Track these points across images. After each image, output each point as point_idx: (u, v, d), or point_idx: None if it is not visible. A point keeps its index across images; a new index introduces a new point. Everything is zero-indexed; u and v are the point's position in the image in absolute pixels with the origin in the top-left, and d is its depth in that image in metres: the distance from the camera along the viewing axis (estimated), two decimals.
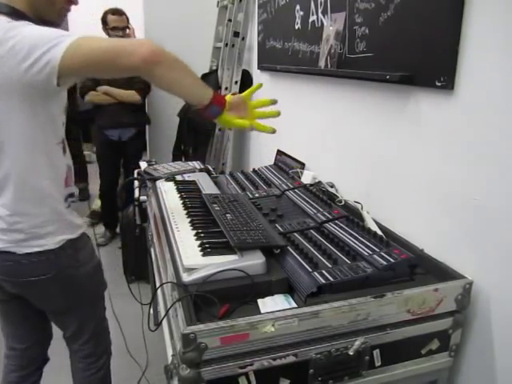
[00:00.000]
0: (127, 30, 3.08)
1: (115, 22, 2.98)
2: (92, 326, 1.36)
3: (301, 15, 2.00)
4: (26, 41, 0.95)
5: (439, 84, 1.19)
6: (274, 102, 1.28)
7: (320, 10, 1.82)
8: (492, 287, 1.11)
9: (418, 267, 1.19)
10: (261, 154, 2.79)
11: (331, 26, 1.71)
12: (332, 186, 1.76)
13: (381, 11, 1.39)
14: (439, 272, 1.16)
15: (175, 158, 3.14)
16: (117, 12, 2.99)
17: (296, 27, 2.06)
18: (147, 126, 3.43)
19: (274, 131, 1.26)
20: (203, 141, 2.99)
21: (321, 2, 1.80)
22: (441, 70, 1.18)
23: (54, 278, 1.17)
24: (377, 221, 1.44)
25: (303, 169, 2.01)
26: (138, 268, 2.53)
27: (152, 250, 1.69)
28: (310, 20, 1.91)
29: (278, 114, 1.26)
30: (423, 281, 1.11)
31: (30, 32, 0.97)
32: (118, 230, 3.41)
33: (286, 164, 2.17)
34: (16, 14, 1.03)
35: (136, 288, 1.64)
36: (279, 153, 2.32)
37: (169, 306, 1.05)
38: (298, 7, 2.03)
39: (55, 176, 1.16)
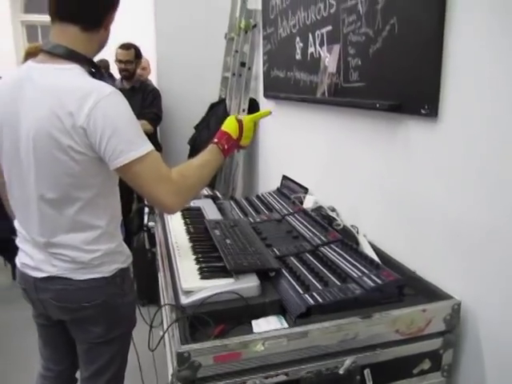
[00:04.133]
0: (131, 65, 3.23)
1: (120, 56, 3.21)
2: (118, 364, 1.38)
3: (301, 47, 2.10)
4: (110, 126, 1.07)
5: (424, 112, 1.25)
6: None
7: (318, 42, 1.91)
8: (480, 308, 1.14)
9: (410, 288, 1.23)
10: (268, 180, 2.86)
11: (328, 57, 1.80)
12: (333, 210, 1.82)
13: (370, 43, 1.47)
14: (429, 293, 1.20)
15: None
16: (124, 46, 3.20)
17: (297, 58, 2.15)
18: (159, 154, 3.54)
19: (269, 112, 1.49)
20: None
21: (318, 35, 1.89)
22: (425, 98, 1.24)
23: (101, 304, 1.24)
24: (372, 243, 1.49)
25: (306, 193, 2.07)
26: (149, 292, 2.60)
27: (159, 274, 1.76)
28: (309, 51, 2.00)
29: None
30: (412, 302, 1.15)
31: (116, 118, 1.09)
32: None
33: (290, 189, 2.23)
34: (74, 56, 1.13)
35: (148, 311, 1.69)
36: (284, 178, 2.38)
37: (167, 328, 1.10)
38: (298, 39, 2.13)
39: (115, 214, 1.27)
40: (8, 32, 6.31)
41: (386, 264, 1.31)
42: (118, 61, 3.23)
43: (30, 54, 2.56)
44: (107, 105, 1.08)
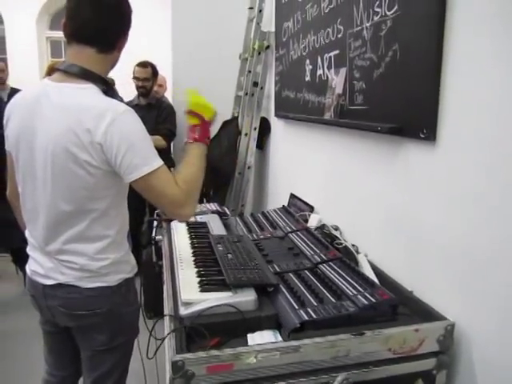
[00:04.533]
0: (148, 82, 3.35)
1: (137, 73, 3.34)
2: (120, 371, 1.42)
3: (310, 69, 2.16)
4: (125, 142, 1.13)
5: (423, 136, 1.28)
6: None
7: (326, 65, 1.96)
8: (475, 330, 1.15)
9: (406, 308, 1.25)
10: (277, 197, 2.90)
11: (335, 79, 1.85)
12: (336, 229, 1.84)
13: (374, 68, 1.52)
14: (424, 313, 1.21)
15: None
16: (141, 64, 3.33)
17: (306, 79, 2.21)
18: (172, 169, 3.62)
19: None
20: (223, 183, 3.14)
21: (326, 58, 1.95)
22: (423, 123, 1.28)
23: (106, 313, 1.29)
24: (372, 262, 1.52)
25: (312, 212, 2.10)
26: (156, 304, 2.63)
27: (164, 286, 1.80)
28: (318, 73, 2.06)
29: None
30: (406, 321, 1.17)
31: (131, 134, 1.16)
32: None
33: (297, 207, 2.27)
34: (89, 76, 1.20)
35: (153, 323, 1.72)
36: (292, 196, 2.42)
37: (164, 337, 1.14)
38: (307, 61, 2.19)
39: (123, 224, 1.34)
40: (34, 47, 6.55)
41: (384, 283, 1.33)
42: (136, 78, 3.34)
43: (52, 69, 2.67)
44: (123, 122, 1.15)
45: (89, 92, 1.19)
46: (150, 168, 1.16)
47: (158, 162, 1.19)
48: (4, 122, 1.28)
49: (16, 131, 1.23)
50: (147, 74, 3.33)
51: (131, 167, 1.15)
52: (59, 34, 6.84)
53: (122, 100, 1.27)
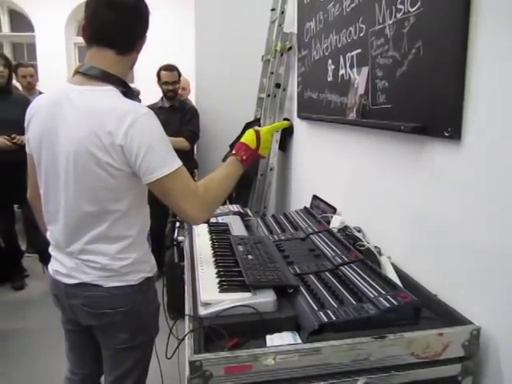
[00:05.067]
0: (177, 85, 3.40)
1: (166, 77, 3.32)
2: (141, 369, 1.43)
3: (332, 69, 2.14)
4: (145, 143, 1.15)
5: (447, 134, 1.25)
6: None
7: (348, 65, 1.94)
8: (503, 335, 1.11)
9: (430, 312, 1.21)
10: (300, 199, 2.88)
11: (357, 79, 1.82)
12: (359, 231, 1.81)
13: (397, 66, 1.49)
14: (448, 317, 1.18)
15: None
16: (168, 68, 3.33)
17: (328, 79, 2.19)
18: (195, 171, 3.65)
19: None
20: (245, 185, 3.13)
21: (348, 57, 1.92)
22: (448, 121, 1.24)
23: (128, 311, 1.30)
24: (396, 265, 1.48)
25: (335, 213, 2.08)
26: (179, 305, 2.65)
27: (185, 286, 1.81)
28: (340, 73, 2.03)
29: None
30: (429, 325, 1.13)
31: (151, 136, 1.17)
32: None
33: (319, 208, 2.24)
34: (108, 78, 1.22)
35: (177, 324, 1.72)
36: (314, 197, 2.40)
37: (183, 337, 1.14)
38: (329, 61, 2.17)
39: (144, 224, 1.35)
40: (62, 53, 6.72)
41: (407, 286, 1.30)
42: (165, 82, 3.35)
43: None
44: (143, 124, 1.16)
45: (109, 94, 1.20)
46: (168, 170, 1.17)
47: (177, 164, 1.19)
48: (25, 125, 1.30)
49: (38, 134, 1.25)
50: (175, 78, 3.37)
51: (150, 168, 1.16)
52: None
53: (140, 102, 1.29)
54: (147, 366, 1.48)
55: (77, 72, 1.25)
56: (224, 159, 3.26)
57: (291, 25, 2.89)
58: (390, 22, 1.53)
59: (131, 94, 1.25)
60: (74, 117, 1.18)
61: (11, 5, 6.76)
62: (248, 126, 3.19)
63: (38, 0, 6.39)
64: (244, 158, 1.34)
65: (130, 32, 1.24)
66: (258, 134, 1.39)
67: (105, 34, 1.22)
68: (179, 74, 3.42)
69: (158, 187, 1.20)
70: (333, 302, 1.17)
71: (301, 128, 2.86)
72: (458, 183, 1.25)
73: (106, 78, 1.21)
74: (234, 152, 1.37)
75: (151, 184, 1.19)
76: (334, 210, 2.10)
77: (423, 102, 1.36)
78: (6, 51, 6.80)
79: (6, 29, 6.92)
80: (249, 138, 1.39)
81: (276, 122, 1.54)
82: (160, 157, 1.17)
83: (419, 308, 1.15)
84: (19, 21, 6.93)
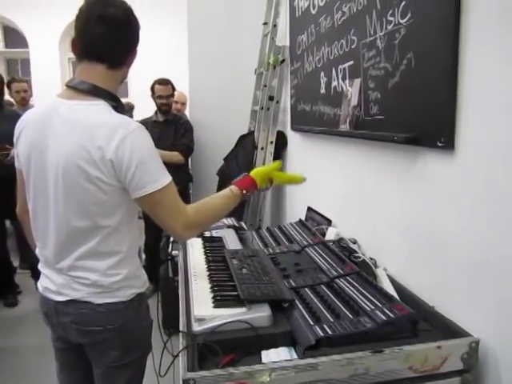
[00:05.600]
0: (171, 98, 3.41)
1: (160, 91, 3.32)
2: None
3: (325, 81, 2.14)
4: (135, 158, 1.14)
5: (440, 144, 1.25)
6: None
7: (340, 77, 1.94)
8: (502, 347, 1.10)
9: (427, 324, 1.20)
10: (295, 211, 2.87)
11: (349, 90, 1.83)
12: (354, 242, 1.80)
13: (389, 77, 1.49)
14: (446, 329, 1.16)
15: None
16: (162, 82, 3.33)
17: (321, 92, 2.19)
18: (190, 184, 3.63)
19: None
20: None
21: (340, 69, 1.93)
22: (441, 131, 1.24)
23: (119, 328, 1.27)
24: (392, 276, 1.47)
25: (330, 225, 2.06)
26: (174, 320, 2.61)
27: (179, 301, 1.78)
28: (333, 85, 2.04)
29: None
30: (427, 338, 1.11)
31: (141, 151, 1.16)
32: None
33: (314, 220, 2.23)
34: (98, 92, 1.21)
35: (171, 340, 1.69)
36: (309, 210, 2.39)
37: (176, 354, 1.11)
38: (322, 74, 2.17)
39: (134, 240, 1.33)
40: (56, 68, 6.74)
41: (403, 298, 1.28)
42: (159, 96, 3.35)
43: None
44: (133, 139, 1.15)
45: (100, 108, 1.19)
46: (158, 185, 1.16)
47: (167, 180, 1.19)
48: (15, 139, 1.29)
49: (27, 148, 1.24)
50: (169, 91, 3.38)
51: (141, 183, 1.15)
52: None
53: (131, 116, 1.28)
54: (141, 383, 1.44)
55: (67, 86, 1.24)
56: (218, 172, 3.26)
57: (283, 38, 2.91)
58: (381, 34, 1.53)
59: (122, 108, 1.24)
60: (64, 131, 1.17)
61: (5, 21, 6.79)
62: (242, 138, 3.20)
63: (31, 16, 6.43)
64: (245, 189, 1.39)
65: (120, 46, 1.23)
66: (270, 181, 1.48)
67: (95, 48, 1.21)
68: (173, 88, 3.42)
69: (147, 202, 1.19)
70: (329, 316, 1.15)
71: (294, 140, 2.86)
72: (452, 193, 1.25)
73: (96, 92, 1.20)
74: (241, 186, 1.39)
75: (140, 199, 1.18)
76: (329, 222, 2.09)
77: (416, 113, 1.36)
78: (1, 67, 6.81)
79: (0, 45, 6.94)
80: (262, 180, 1.45)
81: (270, 164, 1.63)
82: (151, 172, 1.16)
83: (416, 321, 1.13)
84: (13, 37, 6.96)
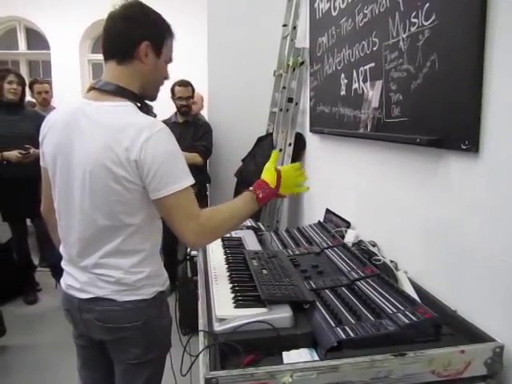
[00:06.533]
0: (191, 100, 3.44)
1: (180, 93, 3.36)
2: None
3: (345, 83, 2.14)
4: (158, 159, 1.14)
5: (464, 147, 1.23)
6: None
7: (361, 78, 1.94)
8: None
9: (449, 328, 1.18)
10: (313, 213, 2.86)
11: (370, 92, 1.82)
12: (374, 245, 1.79)
13: (412, 79, 1.48)
14: (469, 334, 1.15)
15: None
16: (182, 84, 3.36)
17: (341, 93, 2.19)
18: (208, 185, 3.65)
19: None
20: None
21: (361, 71, 1.92)
22: (465, 133, 1.23)
23: (141, 326, 1.29)
24: (413, 280, 1.46)
25: (349, 227, 2.06)
26: (191, 320, 2.62)
27: (198, 301, 1.79)
28: (353, 87, 2.03)
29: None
30: (450, 342, 1.10)
31: (165, 152, 1.16)
32: None
33: (332, 222, 2.22)
34: (123, 93, 1.22)
35: (188, 339, 1.69)
36: (327, 211, 2.38)
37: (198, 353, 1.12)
38: (342, 75, 2.17)
39: (157, 238, 1.35)
40: (76, 69, 6.84)
41: (425, 302, 1.27)
42: (179, 98, 3.39)
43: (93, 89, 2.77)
44: (157, 140, 1.15)
45: (125, 109, 1.20)
46: (177, 187, 1.16)
47: (188, 182, 1.19)
48: (40, 139, 1.31)
49: (53, 148, 1.26)
50: (189, 93, 3.40)
51: (161, 184, 1.16)
52: (100, 57, 7.11)
53: (155, 116, 1.28)
54: (160, 382, 1.46)
55: (92, 88, 1.26)
56: (236, 174, 3.27)
57: (303, 40, 2.91)
58: (404, 36, 1.52)
59: (147, 108, 1.26)
60: (90, 132, 1.18)
61: (28, 23, 6.92)
62: (260, 140, 3.21)
63: (53, 18, 6.53)
64: (261, 196, 1.32)
65: (123, 39, 1.23)
66: (278, 173, 1.38)
67: (105, 45, 1.25)
68: (193, 90, 3.45)
69: (163, 204, 1.19)
70: (350, 318, 1.14)
71: (313, 142, 2.85)
72: (475, 197, 1.23)
73: (120, 93, 1.21)
74: (251, 188, 1.35)
75: (158, 200, 1.18)
76: (348, 224, 2.08)
77: (439, 115, 1.35)
78: (23, 68, 6.95)
79: (22, 47, 7.07)
80: (270, 176, 1.38)
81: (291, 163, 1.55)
82: (172, 173, 1.17)
83: (439, 324, 1.12)
84: (35, 39, 7.09)
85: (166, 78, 1.36)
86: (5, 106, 3.19)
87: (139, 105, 1.24)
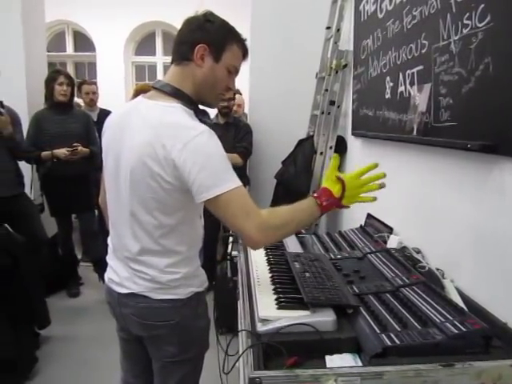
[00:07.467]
0: (232, 101, 3.49)
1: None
2: None
3: (390, 86, 2.10)
4: (199, 162, 1.13)
5: None
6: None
7: (408, 82, 1.90)
8: None
9: (499, 340, 1.14)
10: (352, 217, 2.83)
11: (418, 96, 1.78)
12: (418, 252, 1.75)
13: (463, 83, 1.44)
14: None
15: None
16: None
17: (386, 97, 2.15)
18: (247, 187, 3.67)
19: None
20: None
21: (408, 74, 1.89)
22: None
23: (176, 325, 1.30)
24: (460, 289, 1.42)
25: (391, 233, 2.02)
26: (229, 320, 2.64)
27: (238, 302, 1.81)
28: (399, 90, 2.00)
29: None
30: (500, 355, 1.06)
31: (206, 155, 1.14)
32: None
33: (374, 227, 2.19)
34: (179, 95, 1.25)
35: (226, 339, 1.71)
36: (369, 216, 2.35)
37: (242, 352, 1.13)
38: (388, 78, 2.14)
39: (196, 240, 1.36)
40: (121, 71, 7.04)
41: (473, 312, 1.23)
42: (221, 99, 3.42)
43: (138, 91, 2.84)
44: (199, 142, 1.14)
45: (174, 110, 1.22)
46: (221, 190, 1.13)
47: (233, 184, 1.14)
48: (102, 135, 1.38)
49: (106, 142, 1.33)
50: (230, 94, 3.43)
51: (203, 187, 1.13)
52: (143, 59, 7.30)
53: (210, 123, 1.29)
54: (197, 381, 1.47)
55: (137, 91, 1.30)
56: (276, 176, 3.28)
57: (347, 42, 2.89)
58: (456, 38, 1.49)
59: (201, 113, 1.27)
60: (138, 128, 1.21)
61: (76, 27, 7.18)
62: (301, 142, 3.20)
63: (99, 22, 6.76)
64: (324, 204, 1.27)
65: (182, 40, 1.26)
66: (343, 183, 1.30)
67: (173, 48, 1.29)
68: (234, 91, 3.49)
69: (213, 206, 1.16)
70: (395, 325, 1.12)
71: (355, 145, 2.82)
72: None
73: (175, 94, 1.24)
74: (315, 195, 1.29)
75: (206, 203, 1.17)
76: (390, 230, 2.04)
77: (493, 120, 1.30)
78: (69, 70, 7.22)
79: (70, 49, 7.34)
80: (333, 185, 1.31)
81: (360, 168, 1.41)
82: (214, 176, 1.13)
83: (490, 336, 1.09)
84: (82, 41, 7.35)
85: (230, 87, 1.33)
86: (55, 107, 3.32)
87: (194, 108, 1.25)
